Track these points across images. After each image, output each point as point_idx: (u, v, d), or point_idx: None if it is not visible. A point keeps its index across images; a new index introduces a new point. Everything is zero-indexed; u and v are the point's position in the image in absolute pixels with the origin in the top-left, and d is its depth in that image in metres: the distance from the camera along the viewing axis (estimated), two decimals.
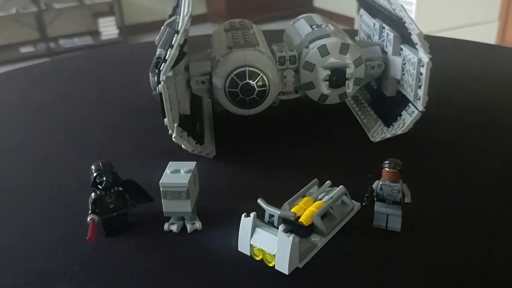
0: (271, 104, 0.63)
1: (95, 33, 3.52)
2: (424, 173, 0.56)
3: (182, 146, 0.57)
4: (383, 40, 0.66)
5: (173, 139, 0.56)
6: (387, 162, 0.45)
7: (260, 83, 0.59)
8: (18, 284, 0.42)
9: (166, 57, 0.53)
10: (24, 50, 3.30)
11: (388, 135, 0.61)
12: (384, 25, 0.66)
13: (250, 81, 0.59)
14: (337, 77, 0.61)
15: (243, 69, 0.59)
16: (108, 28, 3.52)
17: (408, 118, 0.59)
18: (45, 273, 0.43)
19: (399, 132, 0.59)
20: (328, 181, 0.50)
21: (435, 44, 1.02)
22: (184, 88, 0.62)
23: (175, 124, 0.56)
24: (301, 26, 0.69)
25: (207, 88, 0.62)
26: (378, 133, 0.63)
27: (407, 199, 0.45)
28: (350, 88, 0.61)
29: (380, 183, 0.45)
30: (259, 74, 0.59)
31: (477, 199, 0.51)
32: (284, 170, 0.58)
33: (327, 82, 0.61)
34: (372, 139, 0.63)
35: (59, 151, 0.66)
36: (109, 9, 3.55)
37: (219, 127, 0.69)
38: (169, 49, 0.53)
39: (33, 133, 0.71)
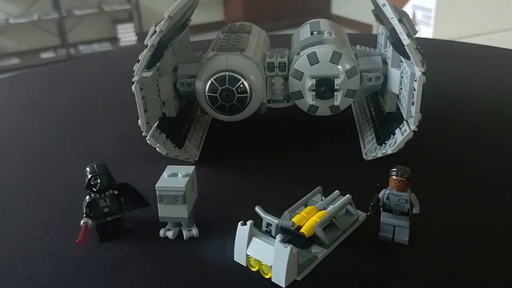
0: (257, 112, 0.60)
1: (114, 39, 3.56)
2: (435, 185, 0.53)
3: (156, 148, 0.55)
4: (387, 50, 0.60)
5: (147, 140, 0.54)
6: (395, 169, 0.42)
7: (240, 89, 0.56)
8: None
9: (139, 58, 0.52)
10: (44, 55, 3.35)
11: (379, 154, 0.56)
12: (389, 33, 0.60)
13: (230, 87, 0.56)
14: (326, 87, 0.56)
15: (224, 73, 0.56)
16: (127, 35, 3.56)
17: (399, 137, 0.54)
18: (36, 278, 0.42)
19: (389, 152, 0.54)
20: (336, 191, 0.48)
21: (452, 51, 1.00)
22: (171, 89, 0.61)
23: (154, 126, 0.55)
24: (304, 31, 0.65)
25: (192, 91, 0.60)
26: (371, 151, 0.58)
27: (416, 210, 0.42)
28: (338, 100, 0.57)
29: (387, 192, 0.43)
30: (240, 80, 0.56)
31: (486, 210, 0.48)
32: (285, 178, 0.56)
33: (313, 92, 0.57)
34: (365, 157, 0.58)
35: (59, 153, 0.65)
36: (128, 16, 3.59)
37: (220, 132, 0.67)
38: (145, 49, 0.52)
39: (36, 135, 0.71)
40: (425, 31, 2.30)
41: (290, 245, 0.38)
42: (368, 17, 3.28)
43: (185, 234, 0.46)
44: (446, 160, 0.58)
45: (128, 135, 0.67)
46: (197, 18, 0.85)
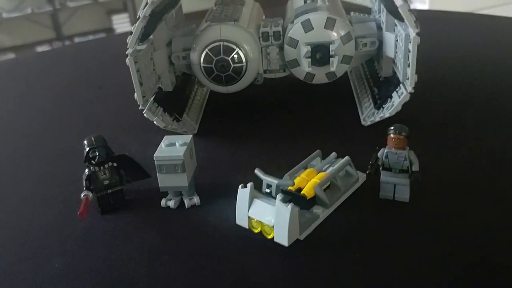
0: (253, 82, 0.59)
1: (109, 30, 3.54)
2: (433, 144, 0.53)
3: (154, 122, 0.55)
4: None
5: (144, 114, 0.54)
6: (392, 127, 0.42)
7: (236, 59, 0.56)
8: (13, 261, 0.41)
9: (132, 30, 0.51)
10: (40, 49, 3.33)
11: (377, 119, 0.55)
12: None
13: (225, 57, 0.56)
14: (321, 54, 0.56)
15: (218, 43, 0.56)
16: (122, 25, 3.54)
17: (397, 100, 0.53)
18: (40, 249, 0.42)
19: (387, 115, 0.53)
20: (333, 153, 0.48)
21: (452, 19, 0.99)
22: (166, 63, 0.60)
23: (150, 100, 0.54)
24: (297, 0, 0.65)
25: (188, 64, 0.60)
26: (369, 116, 0.58)
27: (415, 167, 0.42)
28: (334, 66, 0.56)
29: (386, 150, 0.43)
30: (235, 49, 0.56)
31: (484, 166, 0.49)
32: (285, 145, 0.56)
33: (309, 59, 0.57)
34: (363, 123, 0.58)
35: (58, 131, 0.65)
36: (123, 6, 3.56)
37: (218, 105, 0.67)
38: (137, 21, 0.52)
39: (34, 116, 0.71)
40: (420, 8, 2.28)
41: (291, 203, 0.38)
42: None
43: (187, 202, 0.46)
44: (444, 121, 0.58)
45: (127, 111, 0.67)
46: (191, 6, 0.85)
